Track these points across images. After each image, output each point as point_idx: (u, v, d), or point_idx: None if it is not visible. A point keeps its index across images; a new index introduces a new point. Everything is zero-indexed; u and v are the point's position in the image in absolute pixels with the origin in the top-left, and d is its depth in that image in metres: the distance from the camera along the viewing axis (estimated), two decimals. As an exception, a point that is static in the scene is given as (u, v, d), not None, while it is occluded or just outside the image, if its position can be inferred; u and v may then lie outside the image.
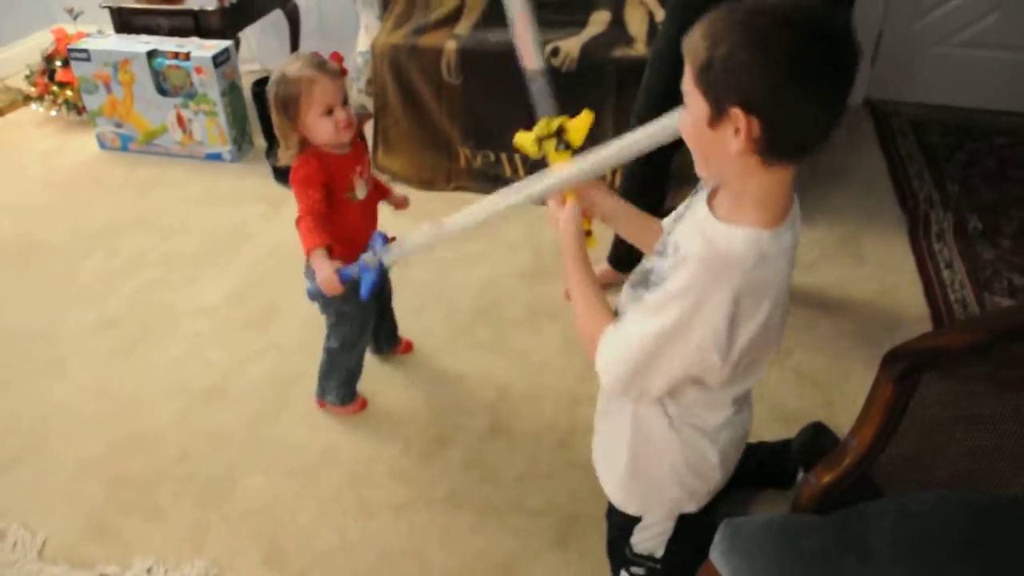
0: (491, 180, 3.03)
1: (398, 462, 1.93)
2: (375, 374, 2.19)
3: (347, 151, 1.76)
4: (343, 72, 1.72)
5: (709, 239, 1.04)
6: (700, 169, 1.10)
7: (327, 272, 1.62)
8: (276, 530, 1.78)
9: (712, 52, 0.96)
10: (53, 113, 3.61)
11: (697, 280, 1.02)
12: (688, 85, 1.01)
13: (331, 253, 1.66)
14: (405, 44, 2.90)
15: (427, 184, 3.06)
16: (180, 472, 1.92)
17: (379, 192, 1.92)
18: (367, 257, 1.60)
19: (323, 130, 1.68)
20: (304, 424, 2.05)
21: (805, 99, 0.96)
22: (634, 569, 1.52)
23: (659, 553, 1.46)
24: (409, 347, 2.28)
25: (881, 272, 2.56)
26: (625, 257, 2.44)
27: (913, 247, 2.68)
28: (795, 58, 0.93)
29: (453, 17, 3.00)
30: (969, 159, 3.25)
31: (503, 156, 2.99)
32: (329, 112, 1.67)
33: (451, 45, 2.86)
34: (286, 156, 1.73)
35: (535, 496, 1.84)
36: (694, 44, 0.99)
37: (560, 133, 1.34)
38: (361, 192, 1.80)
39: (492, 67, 2.84)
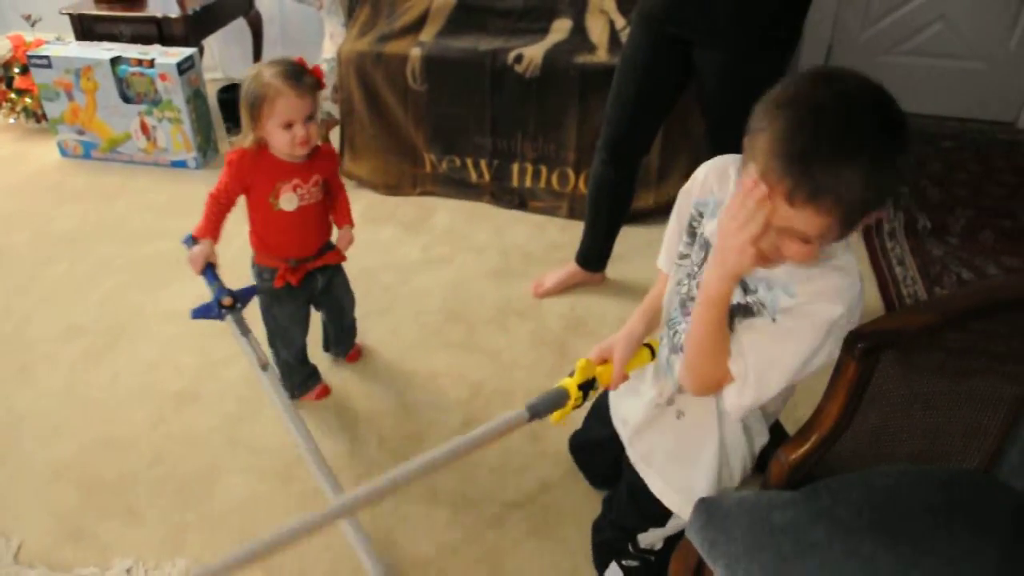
0: (456, 185, 3.08)
1: (374, 459, 1.96)
2: (349, 374, 2.22)
3: (298, 160, 1.80)
4: (319, 86, 1.75)
5: (819, 275, 1.12)
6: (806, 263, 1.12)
7: (193, 254, 1.82)
8: (255, 528, 1.79)
9: (876, 201, 0.99)
10: (11, 121, 3.59)
11: (823, 316, 1.11)
12: (821, 231, 1.01)
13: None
14: (371, 51, 2.94)
15: (393, 189, 3.10)
16: (156, 474, 1.93)
17: (337, 217, 1.97)
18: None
19: (278, 140, 1.73)
20: (279, 425, 2.05)
21: None
22: (627, 562, 1.57)
23: (658, 546, 1.53)
24: (356, 356, 2.28)
25: (837, 270, 2.66)
26: (594, 256, 2.51)
27: (867, 245, 2.78)
28: (897, 132, 0.99)
29: (418, 25, 3.04)
30: (917, 162, 3.37)
31: (468, 161, 3.04)
32: (288, 126, 1.71)
33: (416, 52, 2.91)
34: (240, 143, 1.78)
35: (510, 488, 1.88)
36: (845, 206, 0.98)
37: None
38: (288, 204, 1.82)
39: (457, 74, 2.90)
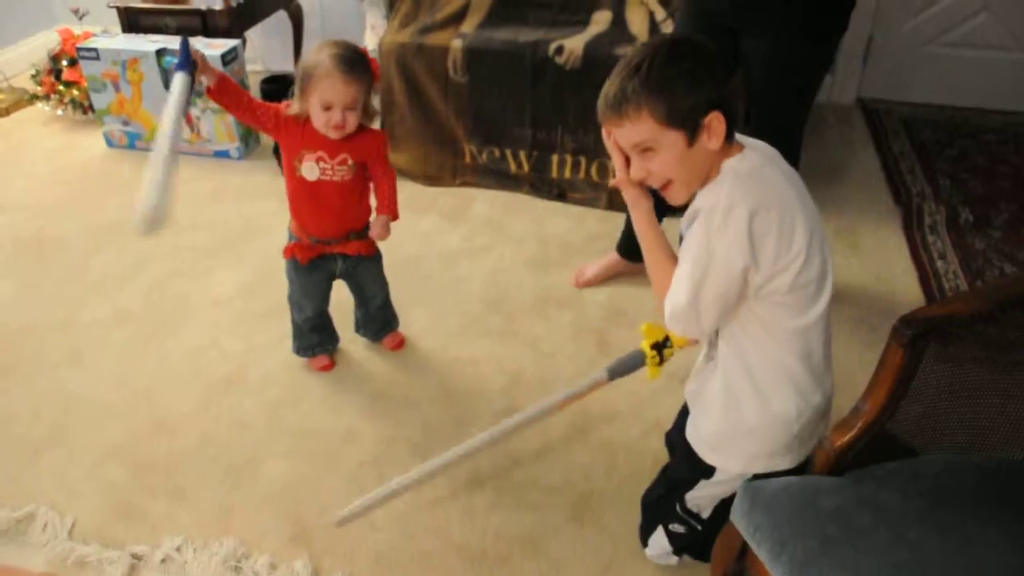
0: (497, 176, 3.10)
1: (417, 444, 1.99)
2: (392, 361, 2.26)
3: (334, 135, 1.84)
4: (372, 79, 1.81)
5: (705, 196, 1.28)
6: (684, 195, 1.31)
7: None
8: (300, 510, 1.83)
9: (673, 98, 1.21)
10: (59, 112, 3.65)
11: (705, 220, 1.25)
12: (653, 135, 1.25)
13: (216, 95, 1.83)
14: (412, 43, 2.97)
15: (433, 180, 3.13)
16: (203, 456, 1.97)
17: (377, 203, 2.00)
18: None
19: (316, 119, 1.81)
20: (324, 409, 2.10)
21: (732, 83, 1.25)
22: (674, 526, 1.60)
23: (705, 514, 1.55)
24: (399, 345, 2.31)
25: (877, 262, 2.65)
26: (636, 246, 2.51)
27: (907, 239, 2.77)
28: (716, 64, 1.26)
29: (459, 16, 3.06)
30: (959, 155, 3.34)
31: (508, 152, 3.06)
32: (327, 108, 1.77)
33: (457, 44, 2.93)
34: (292, 108, 1.86)
35: (551, 474, 1.90)
36: (646, 107, 1.22)
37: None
38: (308, 173, 1.89)
39: (497, 65, 2.92)
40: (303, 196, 1.94)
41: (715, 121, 1.23)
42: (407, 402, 2.12)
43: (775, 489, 1.25)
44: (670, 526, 1.60)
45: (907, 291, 2.51)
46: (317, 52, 1.76)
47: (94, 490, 1.89)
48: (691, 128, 1.23)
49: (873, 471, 1.25)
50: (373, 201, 2.03)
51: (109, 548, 1.75)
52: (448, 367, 2.23)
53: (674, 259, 1.34)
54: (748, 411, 1.36)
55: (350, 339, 2.31)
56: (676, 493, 1.57)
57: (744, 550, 1.33)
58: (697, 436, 1.48)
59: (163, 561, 1.72)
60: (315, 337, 2.21)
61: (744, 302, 1.29)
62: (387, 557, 1.73)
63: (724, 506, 1.50)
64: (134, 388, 2.18)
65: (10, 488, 1.89)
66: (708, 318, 1.28)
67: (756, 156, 1.29)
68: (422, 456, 1.94)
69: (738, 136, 1.32)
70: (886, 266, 2.63)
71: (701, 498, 1.54)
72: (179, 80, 1.72)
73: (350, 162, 1.90)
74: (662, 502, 1.62)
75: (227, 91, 1.84)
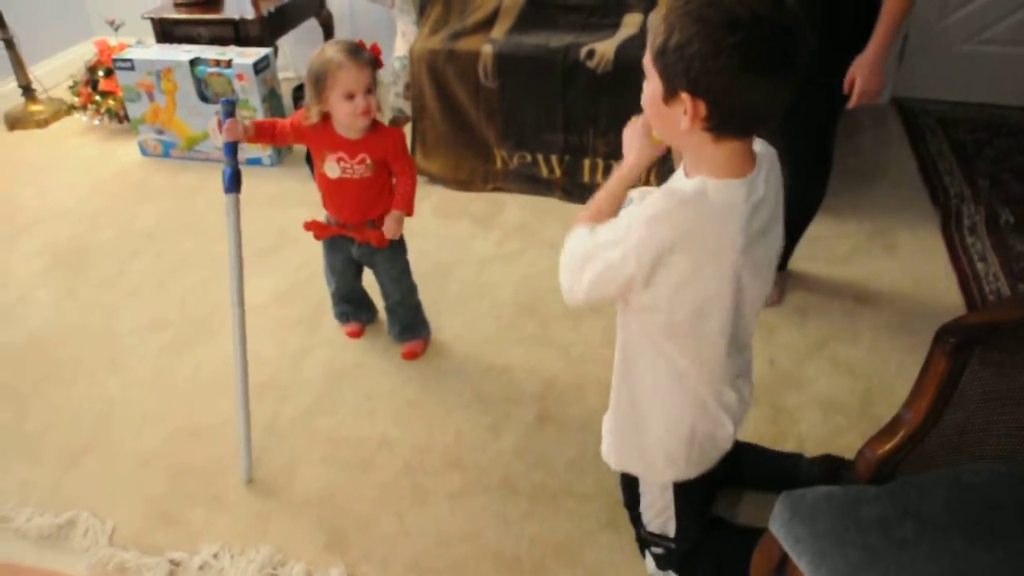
0: (528, 181, 3.10)
1: (452, 451, 1.99)
2: (425, 367, 2.27)
3: (355, 136, 1.94)
4: (377, 63, 1.88)
5: (666, 185, 1.19)
6: (661, 136, 1.26)
7: (232, 122, 1.91)
8: (336, 517, 1.84)
9: (667, 38, 1.07)
10: (96, 122, 3.70)
11: (637, 210, 1.16)
12: (647, 60, 1.13)
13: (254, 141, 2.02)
14: (442, 49, 2.97)
15: (465, 185, 3.13)
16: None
17: (393, 199, 2.05)
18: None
19: (342, 111, 1.88)
20: (359, 417, 2.11)
21: (749, 88, 1.06)
22: (654, 549, 1.63)
23: (670, 532, 1.58)
24: (412, 355, 2.30)
25: (915, 266, 2.61)
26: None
27: (946, 241, 2.72)
28: (742, 55, 1.02)
29: (489, 22, 3.06)
30: (999, 155, 3.28)
31: (539, 157, 3.05)
32: (350, 97, 1.85)
33: (488, 49, 2.93)
34: (310, 117, 1.94)
35: (586, 481, 1.90)
36: (655, 26, 1.11)
37: None
38: (330, 172, 2.00)
39: (528, 70, 2.91)
40: (325, 189, 2.06)
41: (689, 104, 1.08)
42: (441, 409, 2.12)
43: (815, 499, 1.23)
44: (651, 550, 1.64)
45: (946, 294, 2.47)
46: (321, 54, 1.86)
47: (133, 496, 1.92)
48: (667, 88, 1.10)
49: (915, 481, 1.23)
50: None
51: (148, 554, 1.77)
52: (481, 373, 2.23)
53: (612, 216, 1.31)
54: (650, 421, 1.43)
55: (384, 347, 2.32)
56: (632, 508, 1.63)
57: (784, 561, 1.32)
58: (605, 443, 1.56)
59: (201, 568, 1.74)
60: (346, 307, 2.37)
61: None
62: (422, 564, 1.73)
63: (685, 521, 1.54)
64: (171, 394, 2.21)
65: (52, 493, 1.93)
66: (581, 287, 1.27)
67: (738, 193, 1.15)
68: (456, 464, 1.96)
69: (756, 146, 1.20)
70: (924, 269, 2.59)
71: (653, 516, 1.58)
72: (231, 202, 1.92)
73: (368, 161, 1.98)
74: (634, 525, 1.67)
75: (260, 135, 2.02)
